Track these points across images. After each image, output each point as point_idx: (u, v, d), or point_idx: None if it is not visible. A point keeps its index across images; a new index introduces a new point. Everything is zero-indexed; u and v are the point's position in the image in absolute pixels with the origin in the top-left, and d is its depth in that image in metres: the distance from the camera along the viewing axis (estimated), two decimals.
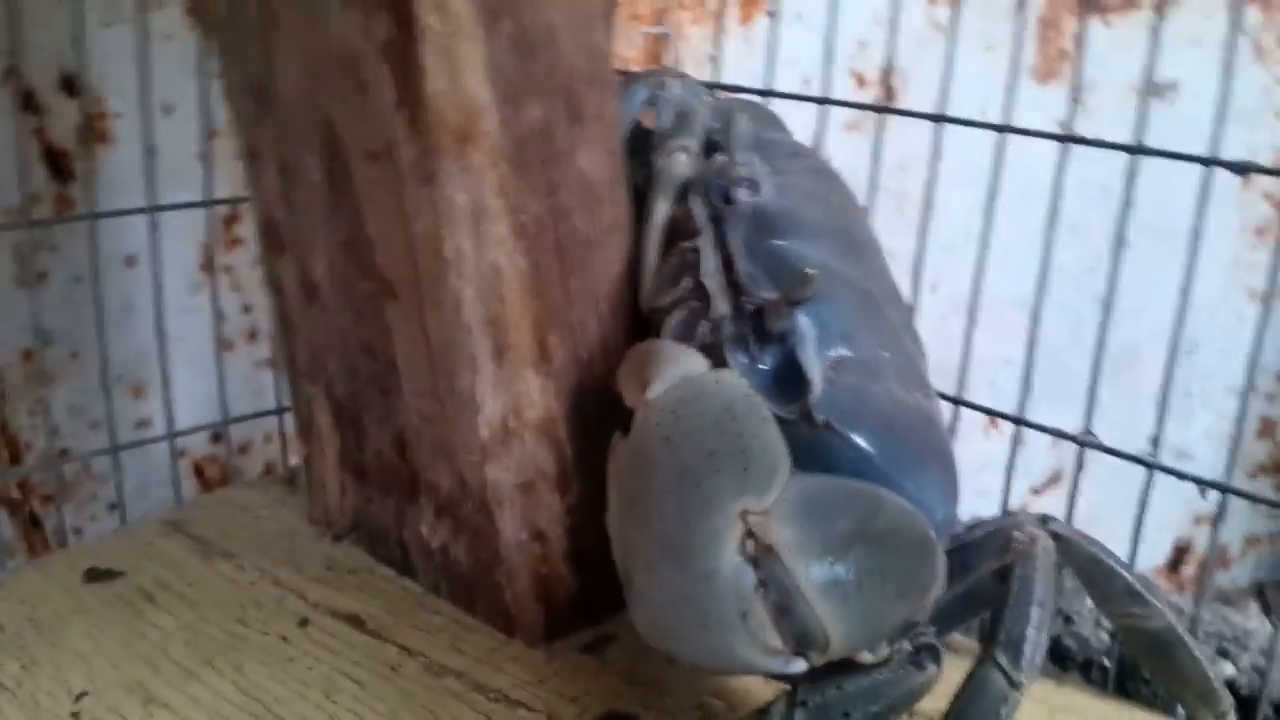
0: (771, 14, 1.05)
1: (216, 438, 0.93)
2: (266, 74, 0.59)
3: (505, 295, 0.55)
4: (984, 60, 0.98)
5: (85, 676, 0.59)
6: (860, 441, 0.48)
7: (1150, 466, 0.64)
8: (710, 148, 0.60)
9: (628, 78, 0.65)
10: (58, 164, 0.86)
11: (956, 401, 0.70)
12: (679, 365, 0.48)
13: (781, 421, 0.47)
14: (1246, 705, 0.65)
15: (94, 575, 0.68)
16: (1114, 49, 1.12)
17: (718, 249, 0.53)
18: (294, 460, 0.81)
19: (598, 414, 0.57)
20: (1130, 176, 0.68)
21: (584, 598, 0.60)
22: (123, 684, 0.58)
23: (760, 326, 0.50)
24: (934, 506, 0.49)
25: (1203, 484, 0.62)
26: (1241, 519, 1.36)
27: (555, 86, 0.53)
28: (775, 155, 0.58)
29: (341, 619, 0.63)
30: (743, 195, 0.54)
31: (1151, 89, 1.23)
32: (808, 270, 0.47)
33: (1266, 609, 1.26)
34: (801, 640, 0.43)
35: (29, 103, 0.83)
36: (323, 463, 0.69)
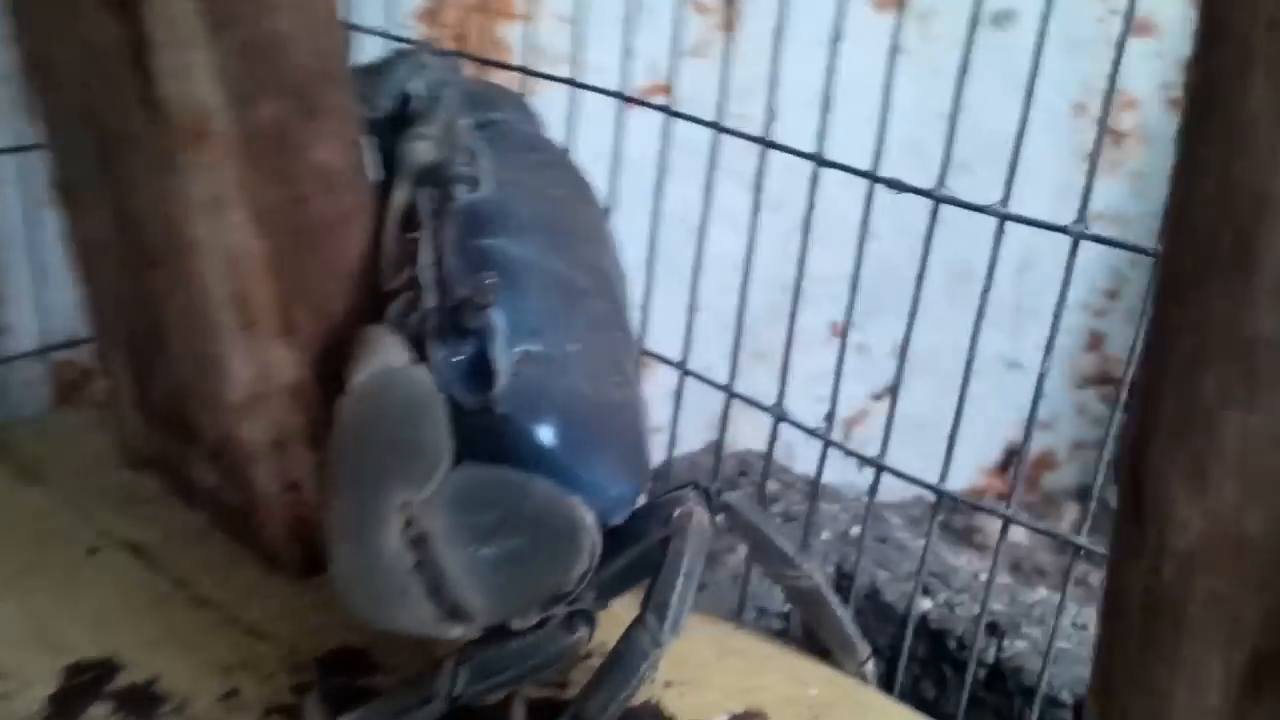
0: None
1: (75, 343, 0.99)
2: (45, 53, 0.63)
3: (247, 274, 0.60)
4: None
5: None
6: (536, 432, 0.54)
7: None
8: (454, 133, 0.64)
9: (390, 57, 0.69)
10: None
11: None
12: (379, 356, 0.54)
13: (468, 412, 0.53)
14: (936, 637, 0.73)
15: None
16: None
17: (433, 243, 0.59)
18: None
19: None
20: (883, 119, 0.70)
21: None
22: None
23: (457, 321, 0.56)
24: (607, 488, 0.55)
25: None
26: (1069, 426, 1.45)
27: (287, 87, 0.58)
28: (507, 149, 0.63)
29: (127, 549, 0.70)
30: (459, 192, 0.59)
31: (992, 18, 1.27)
32: (488, 280, 0.53)
33: (1085, 512, 1.35)
34: (453, 614, 0.50)
35: None
36: (122, 399, 0.75)
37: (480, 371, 0.55)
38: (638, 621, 0.53)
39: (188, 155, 0.57)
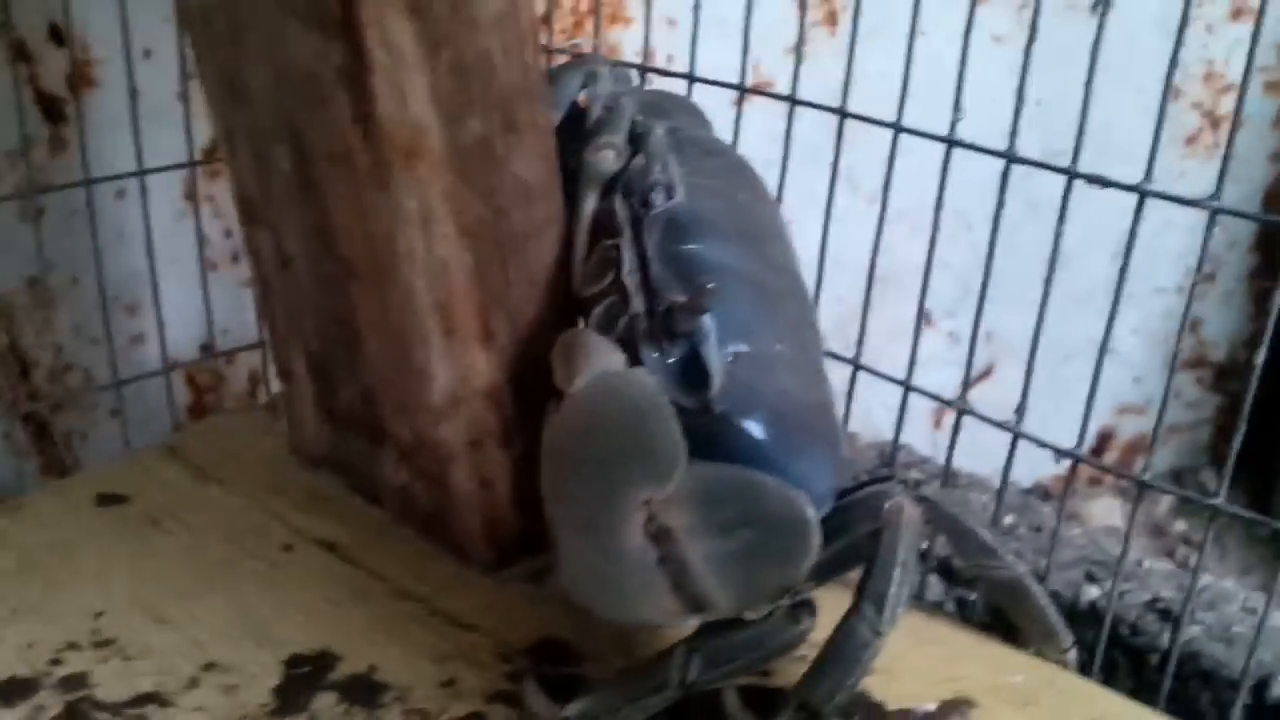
0: None
1: (205, 347, 1.02)
2: (236, 73, 0.66)
3: (452, 285, 0.63)
4: None
5: (101, 596, 0.68)
6: (752, 430, 0.56)
7: None
8: (636, 139, 0.66)
9: (562, 67, 0.71)
10: (50, 108, 0.92)
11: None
12: (598, 361, 0.56)
13: (685, 412, 0.55)
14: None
15: (104, 500, 0.77)
16: None
17: (635, 250, 0.61)
18: (275, 381, 0.90)
19: (537, 381, 0.65)
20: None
21: (527, 533, 0.70)
22: (134, 603, 0.68)
23: (669, 325, 0.58)
24: (816, 483, 0.57)
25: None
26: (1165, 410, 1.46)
27: (492, 103, 0.60)
28: (691, 155, 0.65)
29: (320, 545, 0.73)
30: (658, 200, 0.61)
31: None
32: (708, 285, 0.55)
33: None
34: (694, 606, 0.53)
35: (21, 53, 0.89)
36: (300, 403, 0.78)
37: (693, 373, 0.57)
38: (855, 612, 0.55)
39: (401, 173, 0.59)
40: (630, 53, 1.13)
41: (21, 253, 0.92)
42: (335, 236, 0.65)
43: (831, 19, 1.20)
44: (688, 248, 0.60)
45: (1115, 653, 0.73)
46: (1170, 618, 0.71)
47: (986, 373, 1.40)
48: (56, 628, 0.66)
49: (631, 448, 0.52)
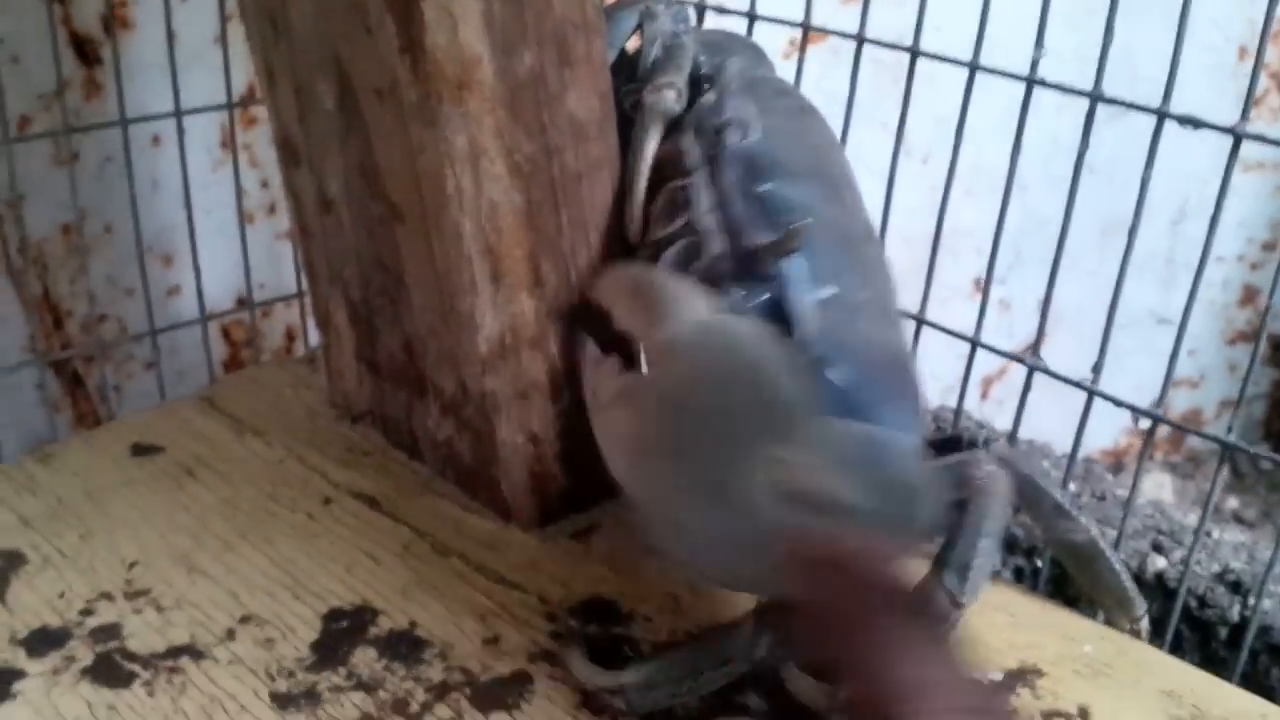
0: None
1: (242, 302, 1.00)
2: (280, 4, 0.63)
3: (502, 227, 0.60)
4: None
5: (135, 546, 0.66)
6: (839, 378, 0.52)
7: None
8: (695, 82, 0.63)
9: (617, 4, 0.68)
10: (84, 50, 0.90)
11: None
12: (689, 307, 0.51)
13: None
14: (1174, 596, 0.71)
15: (139, 450, 0.75)
16: None
17: (712, 190, 0.58)
18: (313, 335, 0.87)
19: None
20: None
21: (572, 490, 0.67)
22: (169, 554, 0.66)
23: (754, 267, 0.54)
24: (902, 435, 0.54)
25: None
26: (1218, 383, 1.42)
27: (546, 34, 0.58)
28: (762, 95, 0.62)
29: (360, 499, 0.70)
30: (734, 138, 0.58)
31: None
32: (799, 224, 0.52)
33: (1235, 470, 1.33)
34: None
35: None
36: (340, 354, 0.75)
37: (776, 317, 0.53)
38: (935, 580, 0.52)
39: (450, 107, 0.57)
40: None
41: (55, 199, 0.90)
42: (380, 177, 0.63)
43: None
44: (769, 187, 0.57)
45: (1182, 625, 0.70)
46: (1241, 590, 0.68)
47: (1038, 341, 1.37)
48: (89, 578, 0.64)
49: (756, 402, 0.47)
